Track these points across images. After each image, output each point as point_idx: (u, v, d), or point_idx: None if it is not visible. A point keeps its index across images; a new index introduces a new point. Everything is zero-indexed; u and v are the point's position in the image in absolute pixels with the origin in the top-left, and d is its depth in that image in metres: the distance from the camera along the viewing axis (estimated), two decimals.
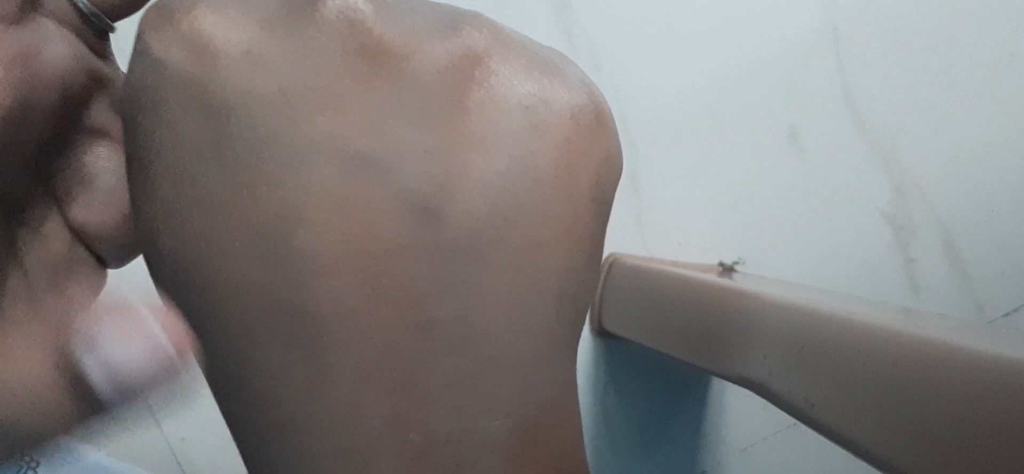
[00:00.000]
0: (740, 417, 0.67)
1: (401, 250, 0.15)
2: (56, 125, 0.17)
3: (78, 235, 0.18)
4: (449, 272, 0.15)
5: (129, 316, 0.13)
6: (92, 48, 0.17)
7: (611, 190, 0.17)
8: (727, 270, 0.58)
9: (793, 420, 0.44)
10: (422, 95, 0.15)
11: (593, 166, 0.16)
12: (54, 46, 0.16)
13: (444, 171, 0.15)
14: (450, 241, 0.15)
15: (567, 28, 0.61)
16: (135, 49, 0.15)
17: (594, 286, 0.17)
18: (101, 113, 0.18)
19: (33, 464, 0.35)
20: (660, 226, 0.64)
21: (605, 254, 0.63)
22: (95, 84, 0.17)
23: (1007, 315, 0.68)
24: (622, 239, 0.64)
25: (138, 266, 0.18)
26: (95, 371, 0.13)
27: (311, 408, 0.15)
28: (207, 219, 0.15)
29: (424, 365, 0.15)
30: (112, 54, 0.18)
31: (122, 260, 0.19)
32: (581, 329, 0.17)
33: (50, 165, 0.17)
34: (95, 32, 0.17)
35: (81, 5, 0.17)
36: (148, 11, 0.16)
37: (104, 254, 0.18)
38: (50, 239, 0.17)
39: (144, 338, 0.13)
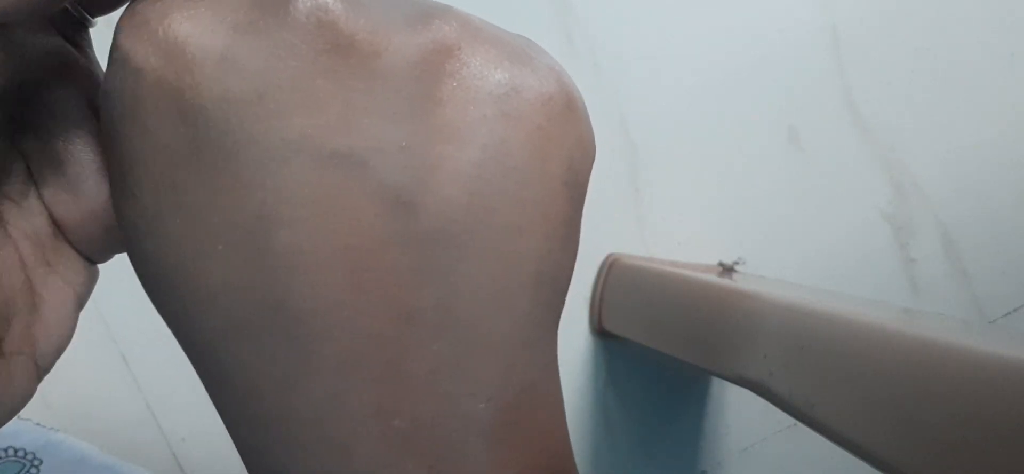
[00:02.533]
0: (740, 417, 0.67)
1: (380, 243, 0.15)
2: (19, 97, 0.17)
3: (57, 225, 0.18)
4: (429, 261, 0.15)
5: None
6: (67, 38, 0.18)
7: (585, 173, 0.17)
8: (727, 270, 0.58)
9: (793, 420, 0.44)
10: (395, 90, 0.15)
11: (565, 151, 0.17)
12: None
13: (419, 163, 0.15)
14: (428, 231, 0.15)
15: (567, 28, 0.61)
16: (111, 57, 0.16)
17: (570, 267, 0.17)
18: (72, 103, 0.18)
19: (37, 463, 0.35)
20: (660, 226, 0.64)
21: (605, 254, 0.63)
22: (66, 71, 0.18)
23: (1007, 315, 0.68)
24: (622, 239, 0.64)
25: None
26: None
27: (294, 400, 0.15)
28: (188, 223, 0.15)
29: (407, 353, 0.15)
30: (89, 47, 0.18)
31: (101, 254, 0.19)
32: (560, 311, 0.17)
33: (24, 142, 0.18)
34: (72, 23, 0.18)
35: None
36: (123, 18, 0.16)
37: (82, 247, 0.19)
38: (33, 214, 0.18)
39: None
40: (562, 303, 0.17)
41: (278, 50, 0.15)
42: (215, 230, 0.15)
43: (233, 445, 0.17)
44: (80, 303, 0.19)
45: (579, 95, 0.17)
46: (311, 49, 0.15)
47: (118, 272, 0.22)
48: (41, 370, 0.18)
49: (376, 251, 0.15)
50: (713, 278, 0.53)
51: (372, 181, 0.15)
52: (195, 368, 0.17)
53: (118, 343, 0.56)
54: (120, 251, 0.20)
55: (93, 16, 0.18)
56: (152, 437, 0.57)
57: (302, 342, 0.15)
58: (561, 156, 0.16)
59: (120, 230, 0.17)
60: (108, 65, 0.16)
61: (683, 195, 0.64)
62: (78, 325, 0.19)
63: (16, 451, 0.35)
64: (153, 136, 0.15)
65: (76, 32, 0.18)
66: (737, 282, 0.52)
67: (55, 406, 0.54)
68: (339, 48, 0.15)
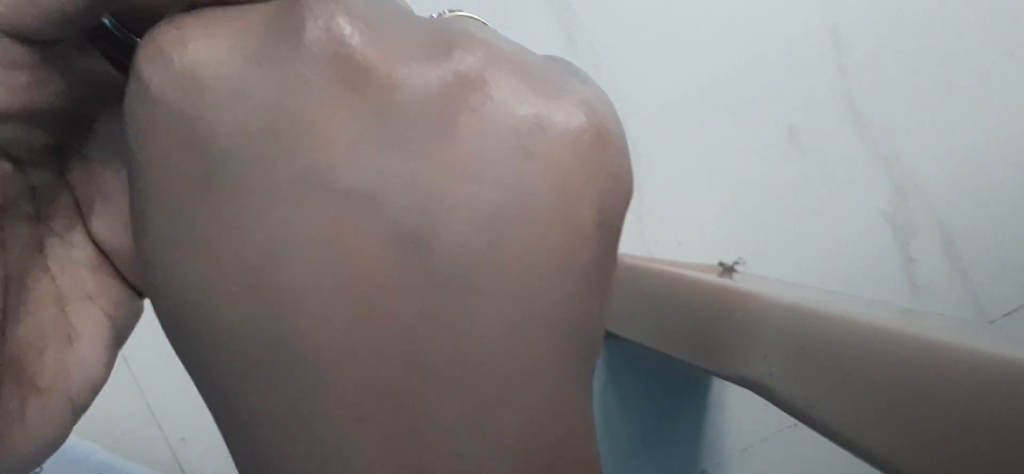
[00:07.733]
0: (740, 417, 0.67)
1: (390, 284, 0.14)
2: (71, 126, 0.17)
3: (102, 252, 0.18)
4: (441, 307, 0.14)
5: None
6: (115, 63, 0.17)
7: (619, 212, 0.16)
8: (727, 270, 0.58)
9: (793, 420, 0.44)
10: (412, 124, 0.14)
11: (595, 189, 0.15)
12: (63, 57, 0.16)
13: (433, 202, 0.14)
14: (441, 274, 0.14)
15: (567, 28, 0.61)
16: (130, 85, 0.15)
17: (603, 314, 0.16)
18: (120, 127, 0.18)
19: None
20: (660, 226, 0.64)
21: None
22: (116, 97, 0.17)
23: (1007, 315, 0.68)
24: (622, 239, 0.64)
25: None
26: None
27: (301, 447, 0.15)
28: (197, 257, 0.15)
29: (418, 407, 0.14)
30: None
31: None
32: (594, 361, 0.16)
33: (72, 172, 0.18)
34: (118, 46, 0.17)
35: (105, 21, 0.17)
36: (142, 45, 0.15)
37: (131, 277, 0.19)
38: (76, 247, 0.18)
39: None
40: (597, 353, 0.16)
41: (291, 82, 0.14)
42: (223, 265, 0.14)
43: None
44: (118, 338, 0.19)
45: (615, 127, 0.16)
46: (325, 81, 0.14)
47: None
48: (77, 408, 0.18)
49: (384, 292, 0.14)
50: (713, 278, 0.53)
51: (383, 219, 0.14)
52: (209, 407, 0.16)
53: None
54: None
55: (140, 37, 0.18)
56: (152, 437, 0.57)
57: (309, 386, 0.14)
58: (589, 195, 0.15)
59: (137, 264, 0.16)
60: (126, 94, 0.15)
61: (683, 195, 0.64)
62: None
63: None
64: (166, 166, 0.15)
65: (124, 55, 0.17)
66: (737, 282, 0.52)
67: None
68: (355, 81, 0.14)
